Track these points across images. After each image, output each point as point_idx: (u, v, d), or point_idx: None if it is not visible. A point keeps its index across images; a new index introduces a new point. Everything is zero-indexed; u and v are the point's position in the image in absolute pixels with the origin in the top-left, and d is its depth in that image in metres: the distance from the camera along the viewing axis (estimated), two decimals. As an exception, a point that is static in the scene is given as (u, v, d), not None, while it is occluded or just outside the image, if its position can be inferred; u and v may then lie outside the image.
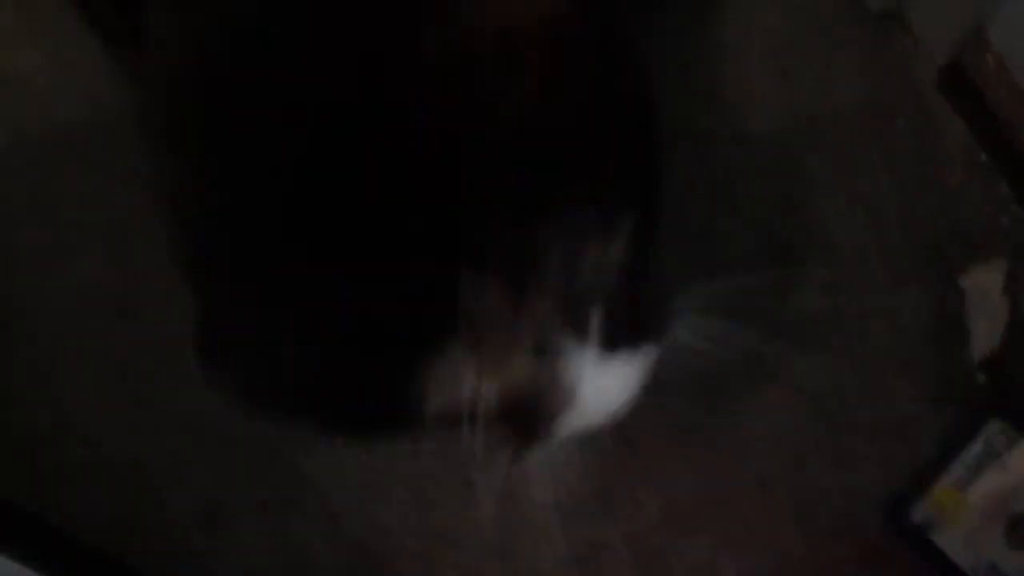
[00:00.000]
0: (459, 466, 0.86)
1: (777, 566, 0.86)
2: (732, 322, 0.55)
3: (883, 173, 0.86)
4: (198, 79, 0.47)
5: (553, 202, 0.44)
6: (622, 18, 0.52)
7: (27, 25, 0.92)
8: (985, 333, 0.83)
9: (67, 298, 0.90)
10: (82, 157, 0.91)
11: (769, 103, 0.87)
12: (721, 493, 0.85)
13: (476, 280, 0.43)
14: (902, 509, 0.83)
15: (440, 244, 0.43)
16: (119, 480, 0.87)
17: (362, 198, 0.43)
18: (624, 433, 0.85)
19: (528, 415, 0.49)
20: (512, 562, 0.87)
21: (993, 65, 0.81)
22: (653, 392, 0.52)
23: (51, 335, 0.89)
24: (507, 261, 0.44)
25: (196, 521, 0.86)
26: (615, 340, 0.47)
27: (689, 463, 0.86)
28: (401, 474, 0.86)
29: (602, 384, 0.47)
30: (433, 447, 0.86)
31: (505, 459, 0.54)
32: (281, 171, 0.44)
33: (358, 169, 0.43)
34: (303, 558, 0.87)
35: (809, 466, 0.85)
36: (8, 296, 0.89)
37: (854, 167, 0.87)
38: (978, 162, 0.86)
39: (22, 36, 0.92)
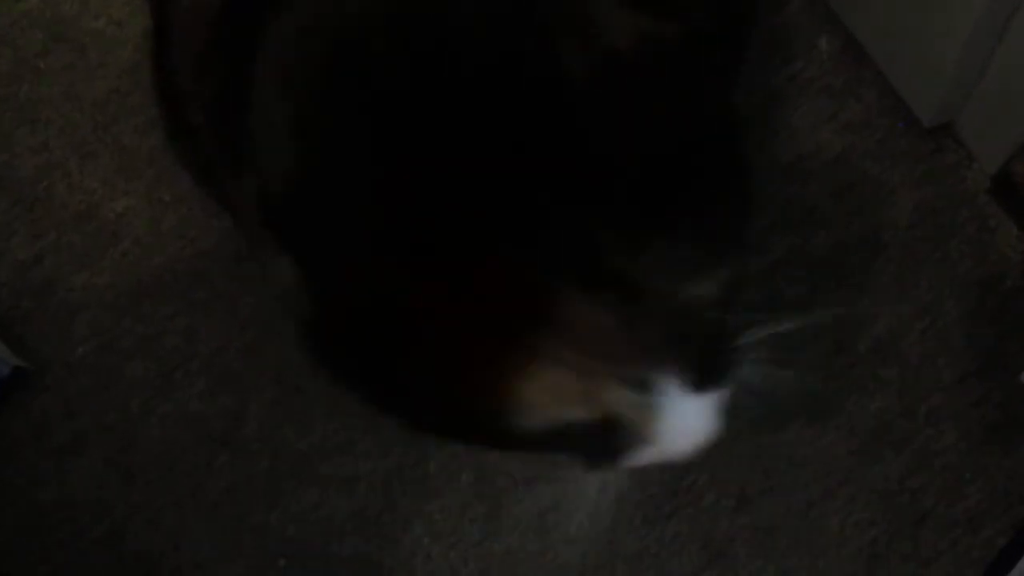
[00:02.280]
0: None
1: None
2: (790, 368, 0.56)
3: (944, 279, 0.91)
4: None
5: (672, 227, 0.45)
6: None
7: (124, 172, 0.98)
8: (1051, 430, 0.88)
9: (172, 429, 0.94)
10: (179, 295, 0.96)
11: (829, 219, 0.92)
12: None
13: (584, 300, 0.44)
14: (979, 601, 0.87)
15: (555, 258, 0.44)
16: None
17: (487, 200, 0.44)
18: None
19: (608, 437, 0.49)
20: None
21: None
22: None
23: (159, 466, 0.94)
24: (618, 284, 0.44)
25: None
26: (705, 375, 0.48)
27: (769, 559, 0.90)
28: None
29: (687, 419, 0.49)
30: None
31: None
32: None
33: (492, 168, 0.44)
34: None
35: (884, 563, 0.89)
36: (118, 428, 0.94)
37: (915, 275, 0.91)
38: (1033, 265, 0.91)
39: (120, 182, 0.98)
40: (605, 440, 0.49)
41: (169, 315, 0.96)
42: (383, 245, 0.45)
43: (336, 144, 0.46)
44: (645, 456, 0.50)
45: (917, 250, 0.92)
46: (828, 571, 0.89)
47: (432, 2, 0.46)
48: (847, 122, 0.94)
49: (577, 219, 0.44)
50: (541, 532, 0.91)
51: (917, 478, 0.90)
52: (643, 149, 0.45)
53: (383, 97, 0.45)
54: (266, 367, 0.94)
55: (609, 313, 0.45)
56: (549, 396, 0.47)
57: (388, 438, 0.92)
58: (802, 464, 0.90)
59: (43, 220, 0.99)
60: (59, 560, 0.92)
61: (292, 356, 0.93)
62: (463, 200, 0.44)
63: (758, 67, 0.95)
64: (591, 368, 0.46)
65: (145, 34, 0.69)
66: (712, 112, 0.49)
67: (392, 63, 0.45)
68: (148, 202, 0.99)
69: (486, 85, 0.44)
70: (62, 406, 0.95)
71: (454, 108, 0.44)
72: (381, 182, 0.45)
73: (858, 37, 0.94)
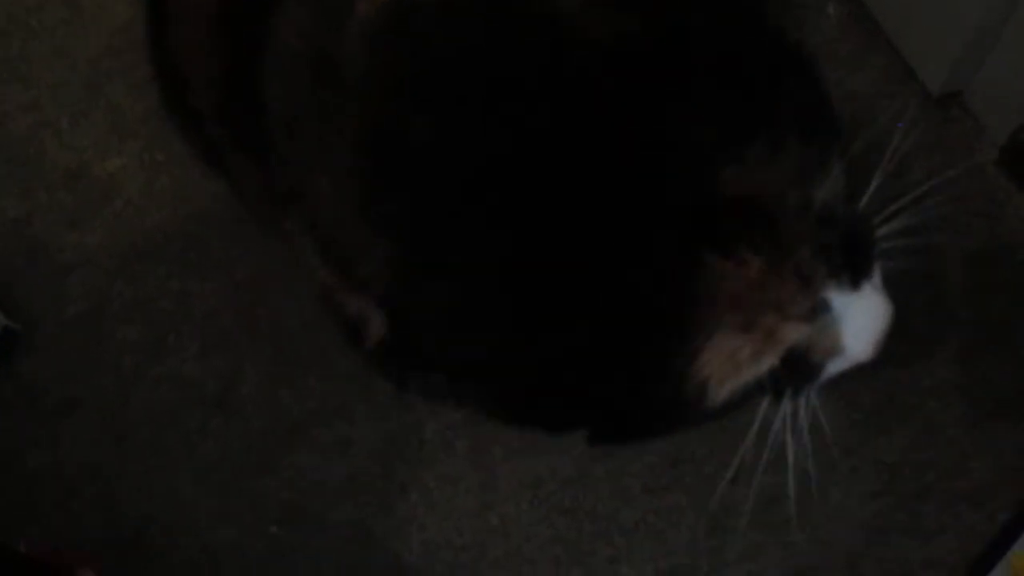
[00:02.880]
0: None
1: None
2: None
3: (952, 250, 0.89)
4: None
5: (775, 147, 0.44)
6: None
7: (117, 131, 0.96)
8: (1057, 406, 0.87)
9: (165, 391, 0.93)
10: (173, 257, 0.95)
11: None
12: (810, 564, 0.88)
13: (723, 254, 0.43)
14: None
15: (678, 229, 0.43)
16: (223, 569, 0.90)
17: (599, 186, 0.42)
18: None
19: (799, 365, 0.49)
20: None
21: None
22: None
23: (152, 428, 0.92)
24: (750, 230, 0.43)
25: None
26: (858, 271, 0.48)
27: (769, 531, 0.88)
28: (492, 557, 0.89)
29: (863, 318, 0.48)
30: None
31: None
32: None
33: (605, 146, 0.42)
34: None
35: (885, 536, 0.88)
36: (110, 390, 0.93)
37: (925, 246, 0.90)
38: (1043, 237, 0.90)
39: (112, 141, 0.96)
40: (795, 372, 0.49)
41: (162, 277, 0.94)
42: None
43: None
44: (835, 367, 0.50)
45: (925, 219, 0.90)
46: (829, 543, 0.88)
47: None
48: (852, 90, 0.92)
49: (695, 155, 0.42)
50: (537, 503, 0.90)
51: (921, 452, 0.89)
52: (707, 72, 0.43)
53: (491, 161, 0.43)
54: (261, 330, 0.93)
55: (755, 258, 0.43)
56: (731, 366, 0.46)
57: (383, 404, 0.91)
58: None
59: (33, 179, 0.97)
60: (50, 522, 0.90)
61: (287, 320, 0.92)
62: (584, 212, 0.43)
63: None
64: (761, 321, 0.44)
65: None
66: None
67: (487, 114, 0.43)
68: (141, 162, 0.97)
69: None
70: (53, 368, 0.93)
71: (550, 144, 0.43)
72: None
73: (867, 4, 0.92)
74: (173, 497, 0.91)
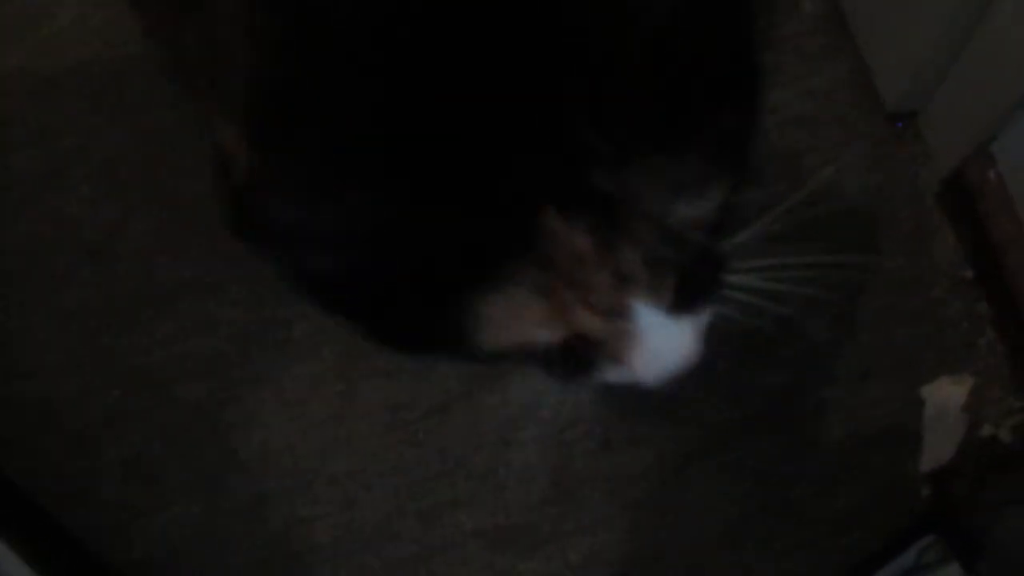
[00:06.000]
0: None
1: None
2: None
3: (870, 270, 0.86)
4: None
5: (663, 145, 0.41)
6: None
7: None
8: (937, 447, 0.83)
9: (45, 227, 0.89)
10: (87, 95, 0.91)
11: (767, 181, 0.87)
12: (652, 550, 0.84)
13: (562, 220, 0.40)
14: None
15: (533, 176, 0.40)
16: (56, 422, 0.86)
17: (468, 91, 0.40)
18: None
19: (580, 355, 0.46)
20: None
21: (994, 183, 0.81)
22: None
23: (20, 263, 0.89)
24: (600, 204, 0.41)
25: (123, 472, 0.85)
26: (684, 301, 0.45)
27: (621, 508, 0.84)
28: (330, 472, 0.85)
29: (662, 345, 0.45)
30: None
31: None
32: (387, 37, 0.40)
33: (474, 52, 0.39)
34: (224, 533, 0.86)
35: (739, 543, 0.84)
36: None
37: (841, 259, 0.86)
38: (963, 278, 0.86)
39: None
40: (574, 356, 0.46)
41: (71, 113, 0.91)
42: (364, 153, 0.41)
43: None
44: (615, 376, 0.47)
45: (850, 233, 0.87)
46: (679, 534, 0.84)
47: None
48: (812, 88, 0.89)
49: (568, 130, 0.40)
50: (390, 428, 0.86)
51: (792, 465, 0.85)
52: (647, 50, 0.40)
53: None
54: (156, 189, 0.89)
55: (589, 236, 0.41)
56: (515, 320, 0.43)
57: (261, 292, 0.87)
58: (680, 423, 0.85)
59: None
60: None
61: (184, 184, 0.88)
62: (448, 104, 0.40)
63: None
64: (564, 292, 0.42)
65: None
66: (726, 13, 0.44)
67: None
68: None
69: None
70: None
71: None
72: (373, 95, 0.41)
73: (843, 5, 0.90)
74: (24, 336, 0.88)
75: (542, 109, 0.40)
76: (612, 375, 0.47)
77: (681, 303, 0.45)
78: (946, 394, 0.83)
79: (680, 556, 0.84)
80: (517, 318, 0.44)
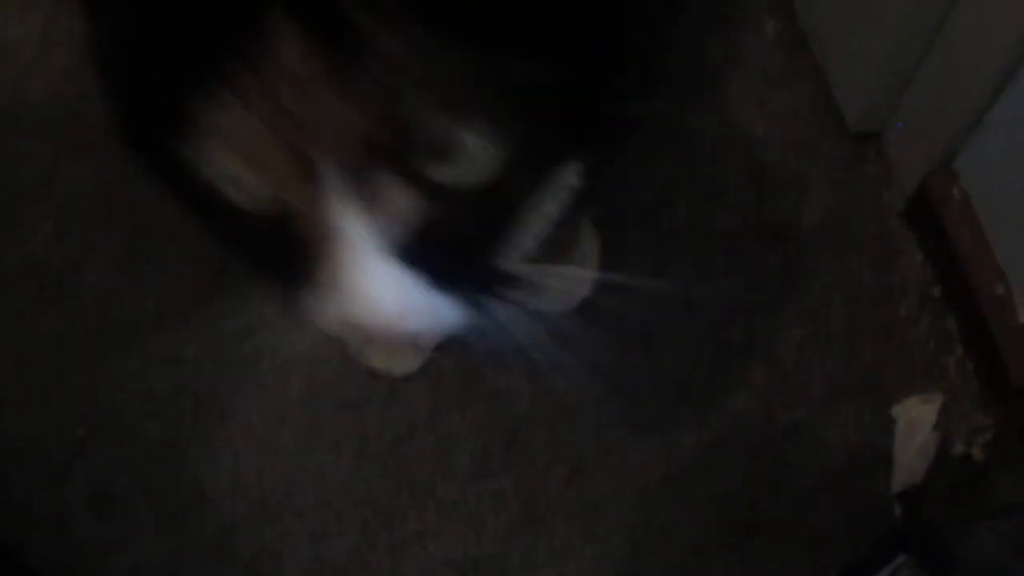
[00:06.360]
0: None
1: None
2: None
3: (837, 291, 0.86)
4: None
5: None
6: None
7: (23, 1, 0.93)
8: (909, 466, 0.82)
9: (7, 264, 0.89)
10: (49, 131, 0.91)
11: (735, 202, 0.87)
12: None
13: (284, 27, 0.34)
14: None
15: None
16: (21, 459, 0.85)
17: None
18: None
19: (292, 251, 0.39)
20: None
21: (959, 200, 0.81)
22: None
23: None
24: (349, 38, 0.34)
25: (88, 507, 0.84)
26: (432, 258, 0.39)
27: (588, 537, 0.84)
28: (299, 504, 0.84)
29: (380, 268, 0.38)
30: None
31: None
32: None
33: None
34: (192, 567, 0.85)
35: (706, 567, 0.83)
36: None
37: (808, 279, 0.86)
38: (931, 296, 0.86)
39: (17, 9, 0.93)
40: (283, 242, 0.39)
41: (34, 151, 0.91)
42: None
43: None
44: (341, 303, 0.39)
45: (816, 254, 0.87)
46: (646, 562, 0.83)
47: None
48: (775, 109, 0.90)
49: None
50: (359, 460, 0.85)
51: (763, 488, 0.84)
52: None
53: None
54: (119, 225, 0.89)
55: (316, 57, 0.34)
56: (231, 138, 0.36)
57: (225, 326, 0.87)
58: (650, 448, 0.85)
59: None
60: None
61: (147, 219, 0.88)
62: None
63: (696, 37, 0.91)
64: (268, 123, 0.35)
65: None
66: None
67: None
68: (43, 36, 0.94)
69: None
70: None
71: None
72: None
73: (804, 27, 0.90)
74: (-13, 373, 0.87)
75: None
76: (334, 295, 0.39)
77: (426, 256, 0.39)
78: (917, 413, 0.83)
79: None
80: (232, 138, 0.37)
